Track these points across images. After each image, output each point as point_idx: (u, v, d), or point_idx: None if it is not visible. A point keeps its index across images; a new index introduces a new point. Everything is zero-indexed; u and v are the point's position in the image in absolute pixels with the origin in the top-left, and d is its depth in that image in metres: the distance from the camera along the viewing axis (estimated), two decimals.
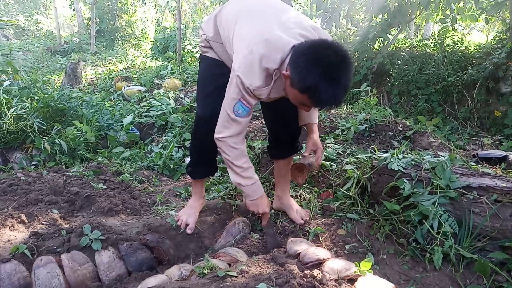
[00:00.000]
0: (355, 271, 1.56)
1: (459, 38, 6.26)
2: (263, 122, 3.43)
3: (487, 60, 5.14)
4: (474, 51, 5.75)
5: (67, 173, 2.94)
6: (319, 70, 1.45)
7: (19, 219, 2.10)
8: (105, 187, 2.75)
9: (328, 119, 3.46)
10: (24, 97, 3.93)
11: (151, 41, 12.38)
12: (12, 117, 3.53)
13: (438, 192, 1.97)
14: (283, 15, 1.73)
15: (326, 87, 1.46)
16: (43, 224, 2.10)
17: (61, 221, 2.18)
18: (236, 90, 1.68)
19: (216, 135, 1.81)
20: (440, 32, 6.19)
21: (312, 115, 2.04)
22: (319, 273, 1.54)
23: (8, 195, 2.43)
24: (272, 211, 2.37)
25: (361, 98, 4.13)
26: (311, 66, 1.46)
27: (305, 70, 1.47)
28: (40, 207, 2.29)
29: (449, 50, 5.82)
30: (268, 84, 1.66)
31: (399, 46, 6.58)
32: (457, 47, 5.90)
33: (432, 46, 6.20)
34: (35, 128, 3.58)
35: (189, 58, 9.46)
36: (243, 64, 1.63)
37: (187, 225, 2.13)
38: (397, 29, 6.24)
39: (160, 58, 10.53)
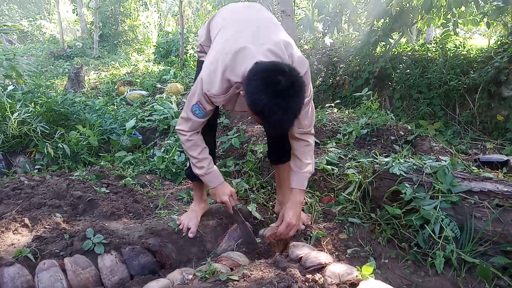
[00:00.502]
0: (356, 276, 1.56)
1: (461, 42, 6.26)
2: None
3: (489, 64, 5.13)
4: (476, 55, 5.75)
5: (70, 177, 2.96)
6: (267, 95, 1.48)
7: (22, 223, 2.11)
8: (108, 191, 2.76)
9: (330, 123, 3.47)
10: (28, 102, 3.95)
11: (154, 46, 12.41)
12: (16, 121, 3.55)
13: (440, 197, 1.97)
14: (261, 30, 1.78)
15: (273, 112, 1.49)
16: (46, 228, 2.11)
17: (64, 225, 2.19)
18: (197, 92, 1.77)
19: (176, 126, 1.92)
20: (442, 36, 6.20)
21: (296, 178, 1.98)
22: (320, 278, 1.55)
23: (12, 199, 2.44)
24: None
25: (363, 103, 4.13)
26: (260, 91, 1.49)
27: (254, 94, 1.50)
28: (43, 211, 2.30)
29: (451, 54, 5.81)
30: (225, 93, 1.71)
31: (401, 50, 6.58)
32: (459, 51, 5.90)
33: (434, 50, 6.20)
34: (38, 132, 3.60)
35: (192, 63, 9.50)
36: (208, 69, 1.71)
37: (188, 229, 2.14)
38: (398, 33, 6.25)
39: (163, 62, 10.57)
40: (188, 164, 2.28)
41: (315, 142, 3.13)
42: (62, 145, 3.58)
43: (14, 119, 3.54)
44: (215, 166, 2.02)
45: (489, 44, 6.47)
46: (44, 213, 2.26)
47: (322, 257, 1.75)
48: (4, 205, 2.37)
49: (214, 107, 1.83)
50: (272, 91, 1.47)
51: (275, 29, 1.84)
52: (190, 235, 2.13)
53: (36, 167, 3.49)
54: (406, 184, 2.08)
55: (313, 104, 1.94)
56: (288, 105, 1.49)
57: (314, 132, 2.01)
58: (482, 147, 4.13)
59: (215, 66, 1.69)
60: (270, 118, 1.52)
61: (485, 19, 5.50)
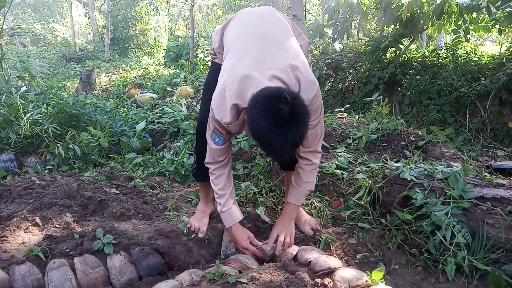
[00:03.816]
0: (366, 281, 1.55)
1: (472, 49, 6.22)
2: None
3: (501, 71, 5.08)
4: (487, 61, 5.70)
5: (81, 177, 2.98)
6: (268, 123, 1.45)
7: (33, 222, 2.13)
8: (118, 192, 2.78)
9: (340, 128, 3.46)
10: (40, 103, 4.00)
11: (164, 49, 12.51)
12: (28, 122, 3.59)
13: (451, 203, 1.95)
14: (268, 51, 1.75)
15: (272, 141, 1.47)
16: (56, 227, 2.13)
17: (74, 224, 2.21)
18: (211, 121, 1.81)
19: (205, 161, 1.98)
20: (453, 42, 6.16)
21: (294, 193, 1.99)
22: (330, 282, 1.54)
23: (23, 198, 2.47)
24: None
25: (373, 108, 4.12)
26: (260, 119, 1.46)
27: (254, 121, 1.48)
28: (54, 210, 2.32)
29: (462, 61, 5.77)
30: (236, 120, 1.70)
31: (411, 56, 6.55)
32: (470, 58, 5.85)
33: (444, 56, 6.17)
34: (50, 133, 3.63)
35: (202, 66, 9.56)
36: (217, 98, 1.72)
37: (199, 229, 2.16)
38: (409, 39, 6.23)
39: (173, 66, 10.64)
40: (195, 165, 2.32)
41: (325, 147, 3.14)
42: (73, 146, 3.62)
43: (26, 119, 3.59)
44: (234, 204, 2.02)
45: (500, 50, 6.41)
46: (55, 212, 2.28)
47: (332, 261, 1.74)
48: (15, 204, 2.40)
49: (230, 133, 1.84)
50: (273, 119, 1.44)
51: (284, 45, 1.80)
52: (200, 235, 2.14)
53: (47, 167, 3.52)
54: (417, 190, 2.07)
55: (323, 123, 1.91)
56: (287, 135, 1.46)
57: (321, 150, 1.99)
58: (493, 154, 4.08)
59: (223, 94, 1.69)
60: (268, 146, 1.51)
61: (497, 26, 5.46)
